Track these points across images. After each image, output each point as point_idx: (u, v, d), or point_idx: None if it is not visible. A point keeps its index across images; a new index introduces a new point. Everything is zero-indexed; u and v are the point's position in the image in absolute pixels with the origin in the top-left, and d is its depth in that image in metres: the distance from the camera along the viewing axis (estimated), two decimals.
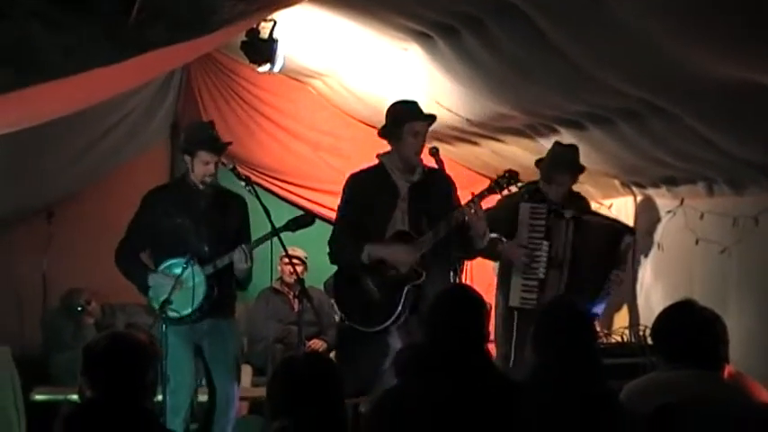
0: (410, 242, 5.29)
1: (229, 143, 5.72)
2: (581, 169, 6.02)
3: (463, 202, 5.36)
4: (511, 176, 5.36)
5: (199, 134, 5.54)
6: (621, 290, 6.06)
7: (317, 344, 7.44)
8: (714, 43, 3.76)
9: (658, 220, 6.53)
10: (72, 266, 7.69)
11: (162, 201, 5.54)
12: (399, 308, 5.24)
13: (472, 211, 5.23)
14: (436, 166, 5.43)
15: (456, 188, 5.50)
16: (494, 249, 5.91)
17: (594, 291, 5.83)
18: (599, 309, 5.88)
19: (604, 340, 5.84)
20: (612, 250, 5.91)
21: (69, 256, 7.77)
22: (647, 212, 6.68)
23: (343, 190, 5.57)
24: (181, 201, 5.50)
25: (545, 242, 5.82)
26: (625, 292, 6.66)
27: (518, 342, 5.66)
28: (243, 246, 5.36)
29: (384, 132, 5.47)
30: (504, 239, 6.02)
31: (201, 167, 5.44)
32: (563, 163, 5.97)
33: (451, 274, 5.49)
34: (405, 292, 5.26)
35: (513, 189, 5.49)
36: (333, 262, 5.54)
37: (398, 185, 5.42)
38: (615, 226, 6.06)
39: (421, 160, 5.43)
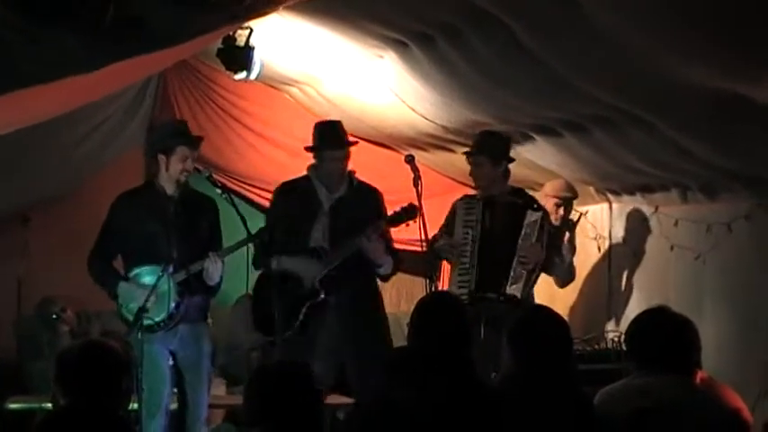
0: (319, 259, 5.42)
1: (202, 137, 5.73)
2: (498, 152, 5.80)
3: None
4: (411, 209, 5.37)
5: (175, 130, 5.54)
6: (539, 264, 5.77)
7: None
8: (689, 53, 3.79)
9: (633, 226, 6.57)
10: (48, 272, 7.62)
11: (131, 207, 5.49)
12: (297, 324, 5.40)
13: (366, 240, 5.32)
14: (362, 181, 5.59)
15: (382, 202, 5.58)
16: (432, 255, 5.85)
17: (505, 271, 5.65)
18: (516, 291, 5.63)
19: (580, 346, 5.87)
20: (517, 227, 5.70)
21: (45, 262, 7.69)
22: (622, 219, 6.72)
23: (271, 199, 5.76)
24: (150, 206, 5.44)
25: (470, 231, 5.76)
26: (601, 298, 6.70)
27: None
28: (213, 253, 5.34)
29: (310, 150, 5.70)
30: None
31: (179, 165, 5.39)
32: (476, 144, 5.89)
33: (428, 281, 5.51)
34: (303, 309, 5.41)
35: (412, 223, 5.42)
36: (255, 266, 5.66)
37: (322, 200, 5.56)
38: (518, 202, 5.88)
39: (351, 173, 5.58)
